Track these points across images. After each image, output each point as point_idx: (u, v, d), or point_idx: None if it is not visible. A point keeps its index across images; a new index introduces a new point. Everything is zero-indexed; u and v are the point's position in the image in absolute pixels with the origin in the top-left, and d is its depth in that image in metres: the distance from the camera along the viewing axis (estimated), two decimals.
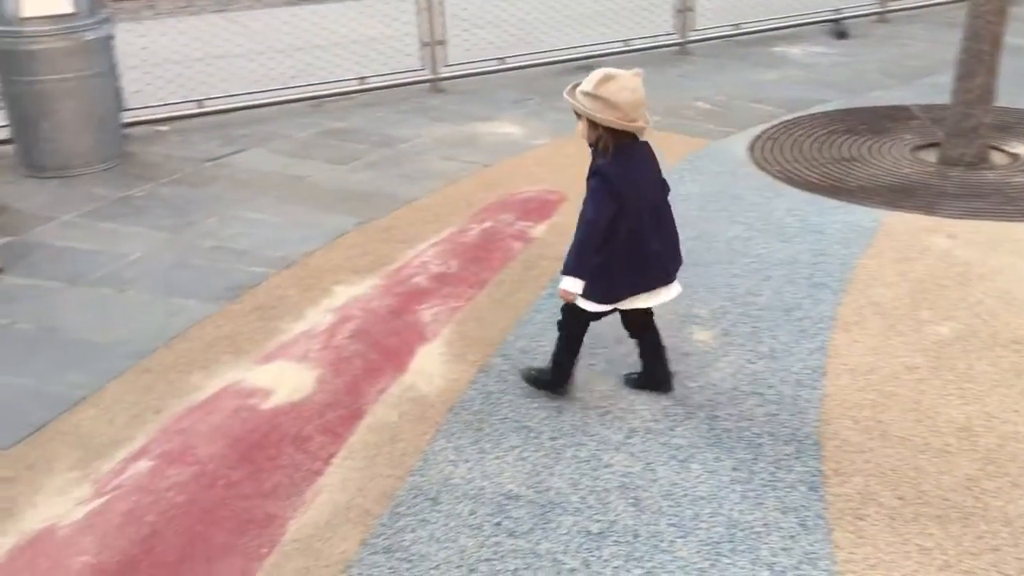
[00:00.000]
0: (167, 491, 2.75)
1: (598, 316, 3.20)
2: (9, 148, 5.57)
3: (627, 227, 3.02)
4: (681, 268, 3.19)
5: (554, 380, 3.31)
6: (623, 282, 3.11)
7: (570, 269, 3.01)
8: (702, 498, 2.79)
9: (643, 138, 3.09)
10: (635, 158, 3.07)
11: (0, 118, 5.87)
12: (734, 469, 2.91)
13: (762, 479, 2.86)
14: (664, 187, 3.18)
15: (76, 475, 2.89)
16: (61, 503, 2.77)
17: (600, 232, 3.00)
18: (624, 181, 3.00)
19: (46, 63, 5.16)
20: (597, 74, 2.99)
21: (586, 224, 3.00)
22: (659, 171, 3.16)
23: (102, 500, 2.74)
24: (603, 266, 3.05)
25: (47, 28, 5.13)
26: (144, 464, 2.90)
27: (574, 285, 3.01)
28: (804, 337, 3.61)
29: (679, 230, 3.18)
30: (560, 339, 3.28)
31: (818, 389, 3.29)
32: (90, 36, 5.29)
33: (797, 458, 2.95)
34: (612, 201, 2.98)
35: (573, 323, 3.23)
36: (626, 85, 2.96)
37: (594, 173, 3.03)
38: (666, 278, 3.16)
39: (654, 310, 3.27)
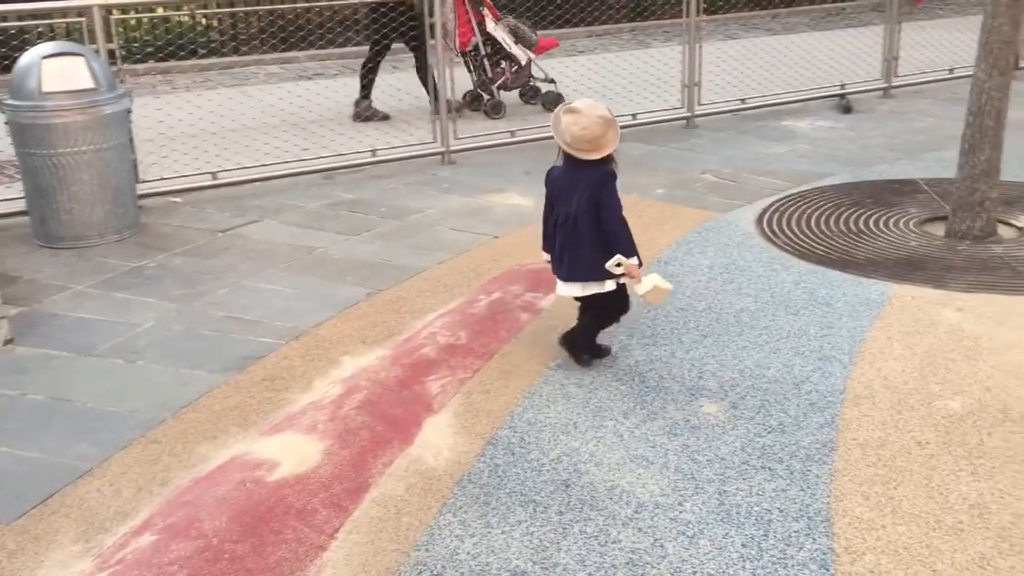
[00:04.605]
0: (169, 566, 2.73)
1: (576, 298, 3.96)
2: (24, 219, 5.66)
3: (553, 219, 3.86)
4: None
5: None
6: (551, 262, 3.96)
7: None
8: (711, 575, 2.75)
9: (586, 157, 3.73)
10: (571, 170, 3.80)
11: (14, 191, 5.99)
12: (743, 546, 2.87)
13: (772, 556, 2.82)
14: (586, 207, 3.72)
15: (79, 548, 2.87)
16: None
17: (544, 215, 3.97)
18: (551, 182, 3.88)
19: (64, 136, 5.27)
20: (575, 102, 3.82)
21: None
22: (585, 192, 3.73)
23: (103, 575, 2.71)
24: None
25: (67, 103, 5.25)
26: (148, 538, 2.87)
27: (543, 255, 4.03)
28: (813, 411, 3.59)
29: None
30: None
31: (828, 464, 3.26)
32: (108, 110, 5.41)
33: (808, 535, 2.91)
34: (546, 194, 3.92)
35: None
36: (582, 124, 3.70)
37: None
38: (556, 273, 3.91)
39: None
